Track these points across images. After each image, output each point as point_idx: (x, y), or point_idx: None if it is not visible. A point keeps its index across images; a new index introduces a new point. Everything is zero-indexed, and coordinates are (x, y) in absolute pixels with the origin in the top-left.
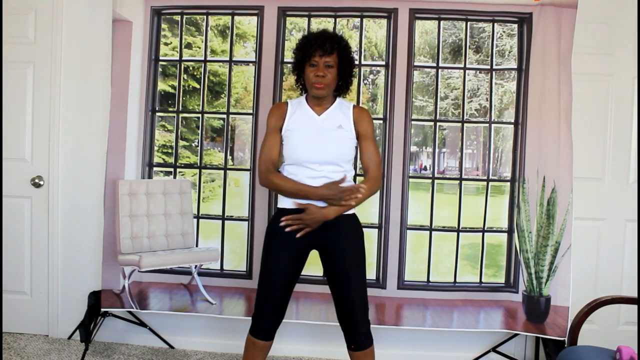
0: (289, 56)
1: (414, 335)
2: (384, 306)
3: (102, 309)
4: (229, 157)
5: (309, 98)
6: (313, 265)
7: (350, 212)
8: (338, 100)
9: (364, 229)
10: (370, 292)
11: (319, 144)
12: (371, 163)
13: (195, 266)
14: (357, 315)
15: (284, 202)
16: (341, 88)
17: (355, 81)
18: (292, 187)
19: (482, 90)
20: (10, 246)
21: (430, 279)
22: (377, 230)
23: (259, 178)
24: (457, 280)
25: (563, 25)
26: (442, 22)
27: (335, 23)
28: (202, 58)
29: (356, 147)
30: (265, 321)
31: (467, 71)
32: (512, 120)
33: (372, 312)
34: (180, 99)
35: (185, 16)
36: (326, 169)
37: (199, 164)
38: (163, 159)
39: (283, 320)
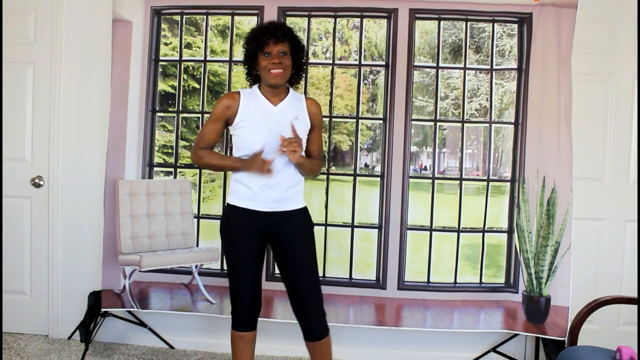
0: None
1: (414, 335)
2: (384, 307)
3: (103, 309)
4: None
5: (263, 88)
6: None
7: (301, 205)
8: (291, 91)
9: (364, 230)
10: (370, 292)
11: (277, 135)
12: (316, 150)
13: (196, 266)
14: (310, 305)
15: (234, 199)
16: (294, 77)
17: (355, 81)
18: (219, 160)
19: (482, 90)
20: (10, 246)
21: (431, 280)
22: (377, 230)
23: (191, 157)
24: (458, 280)
25: (563, 25)
26: (442, 22)
27: (335, 23)
28: (202, 58)
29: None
30: (245, 313)
31: (467, 71)
32: (512, 120)
33: (372, 312)
34: (180, 99)
35: (185, 16)
36: (282, 160)
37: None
38: (163, 159)
39: (282, 321)
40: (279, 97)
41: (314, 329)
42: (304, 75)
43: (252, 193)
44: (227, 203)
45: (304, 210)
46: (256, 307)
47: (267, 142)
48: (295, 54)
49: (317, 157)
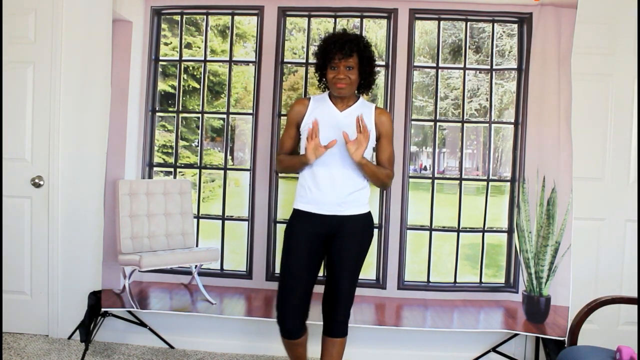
0: (289, 56)
1: (414, 335)
2: (384, 306)
3: (103, 309)
4: (229, 157)
5: (332, 95)
6: None
7: (363, 210)
8: (361, 99)
9: None
10: (370, 292)
11: (339, 140)
12: (386, 161)
13: (196, 266)
14: (340, 305)
15: (297, 203)
16: (363, 86)
17: None
18: (290, 160)
19: (482, 90)
20: (10, 246)
21: (430, 279)
22: (377, 230)
23: (276, 166)
24: (457, 280)
25: (563, 25)
26: (442, 22)
27: (335, 23)
28: (202, 58)
29: (374, 148)
30: (288, 322)
31: (467, 71)
32: (512, 120)
33: (372, 312)
34: (180, 99)
35: (185, 16)
36: (342, 165)
37: (199, 164)
38: (163, 159)
39: None
40: (346, 104)
41: (336, 326)
42: (374, 84)
43: (313, 196)
44: (293, 208)
45: (366, 216)
46: (301, 316)
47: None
48: (363, 66)
49: (388, 167)
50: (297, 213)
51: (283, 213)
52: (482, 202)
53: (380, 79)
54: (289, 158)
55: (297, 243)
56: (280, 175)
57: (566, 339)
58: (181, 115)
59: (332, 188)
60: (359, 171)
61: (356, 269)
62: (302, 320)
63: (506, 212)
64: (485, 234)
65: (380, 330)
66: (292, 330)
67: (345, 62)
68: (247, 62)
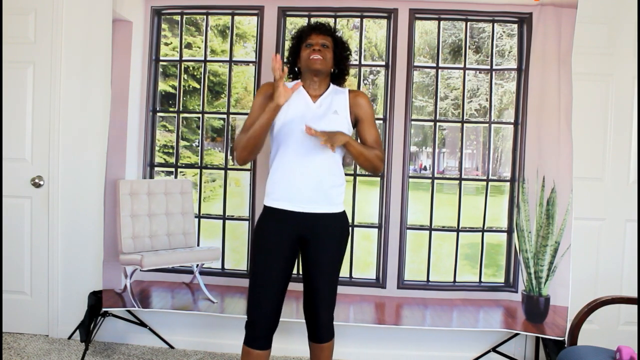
0: None
1: (413, 334)
2: (384, 305)
3: (103, 309)
4: (230, 157)
5: (304, 82)
6: None
7: (339, 209)
8: (332, 86)
9: (364, 229)
10: (370, 291)
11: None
12: (373, 143)
13: (197, 265)
14: (321, 309)
15: (268, 200)
16: (337, 77)
17: (355, 81)
18: (253, 128)
19: (482, 90)
20: (10, 246)
21: (430, 279)
22: (377, 230)
23: (235, 158)
24: (457, 279)
25: (563, 25)
26: (442, 22)
27: (335, 23)
28: (202, 58)
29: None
30: (260, 328)
31: (467, 71)
32: (512, 120)
33: (371, 311)
34: (181, 99)
35: (185, 16)
36: (319, 157)
37: (199, 164)
38: (164, 159)
39: (283, 320)
40: (319, 92)
41: (320, 331)
42: (347, 75)
43: (285, 190)
44: (263, 205)
45: (341, 216)
46: (273, 322)
47: (304, 138)
48: (337, 49)
49: (375, 149)
50: (267, 211)
51: None
52: (482, 202)
53: (380, 79)
54: (249, 126)
55: (267, 246)
56: None
57: (566, 339)
58: (182, 115)
59: (307, 180)
60: (336, 165)
61: (334, 272)
62: (272, 329)
63: (506, 212)
64: (485, 233)
65: (380, 329)
66: (261, 337)
67: (322, 39)
68: (247, 62)
